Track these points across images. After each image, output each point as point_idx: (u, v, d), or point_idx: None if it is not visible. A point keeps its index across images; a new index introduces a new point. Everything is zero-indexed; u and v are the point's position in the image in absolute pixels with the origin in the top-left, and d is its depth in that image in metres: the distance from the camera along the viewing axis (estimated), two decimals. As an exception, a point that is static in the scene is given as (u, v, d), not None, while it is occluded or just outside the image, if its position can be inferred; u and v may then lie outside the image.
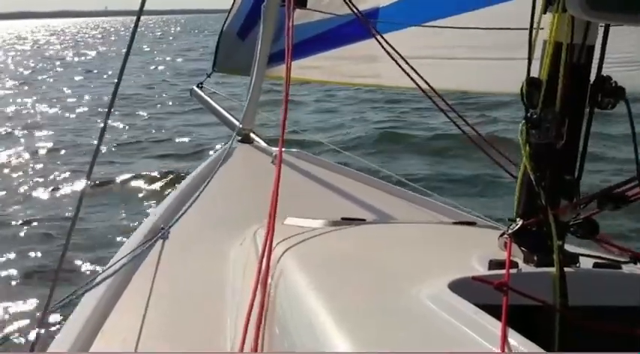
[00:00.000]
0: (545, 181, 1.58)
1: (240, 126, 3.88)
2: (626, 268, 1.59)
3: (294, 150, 3.79)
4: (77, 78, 26.32)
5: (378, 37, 3.00)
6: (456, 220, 2.57)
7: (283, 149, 2.16)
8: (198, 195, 2.89)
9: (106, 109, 2.92)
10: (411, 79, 2.90)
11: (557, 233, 1.52)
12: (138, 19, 2.93)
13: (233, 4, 4.58)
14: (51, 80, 25.87)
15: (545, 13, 1.58)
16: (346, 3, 3.21)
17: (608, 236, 1.72)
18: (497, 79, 3.88)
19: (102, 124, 3.01)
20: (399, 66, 2.94)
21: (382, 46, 2.95)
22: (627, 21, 1.54)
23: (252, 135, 3.99)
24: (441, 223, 2.70)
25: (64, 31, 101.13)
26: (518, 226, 1.62)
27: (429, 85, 2.88)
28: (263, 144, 3.94)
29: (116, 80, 2.83)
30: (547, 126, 1.56)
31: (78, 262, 6.46)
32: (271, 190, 1.92)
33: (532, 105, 1.58)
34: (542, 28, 1.60)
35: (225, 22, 4.65)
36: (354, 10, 3.20)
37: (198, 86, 4.78)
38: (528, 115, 1.58)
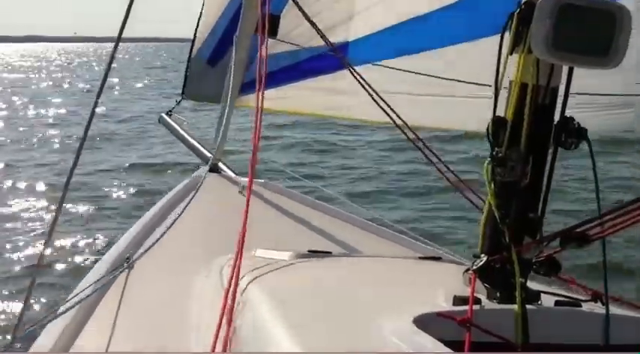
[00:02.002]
0: (509, 218, 1.60)
1: (210, 156, 3.88)
2: (587, 307, 1.61)
3: (261, 180, 3.79)
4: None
5: (351, 69, 3.03)
6: (422, 255, 2.59)
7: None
8: (169, 225, 2.85)
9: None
10: (384, 111, 2.92)
11: (520, 271, 1.53)
12: (116, 45, 2.94)
13: (197, 30, 4.53)
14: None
15: (511, 54, 1.62)
16: (320, 35, 3.23)
17: (570, 275, 1.75)
18: (462, 116, 3.94)
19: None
20: (373, 100, 2.97)
21: (356, 78, 2.98)
22: (589, 64, 1.58)
23: (220, 164, 3.97)
24: (406, 257, 2.71)
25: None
26: (483, 262, 1.63)
27: (401, 118, 2.90)
28: (231, 174, 3.93)
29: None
30: (512, 164, 1.59)
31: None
32: (239, 222, 1.92)
33: (498, 143, 1.61)
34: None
35: (191, 47, 4.61)
36: (328, 42, 3.22)
37: (167, 114, 4.74)
38: (494, 153, 1.60)
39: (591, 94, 3.50)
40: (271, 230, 3.05)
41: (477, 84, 3.69)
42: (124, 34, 3.07)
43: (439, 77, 3.88)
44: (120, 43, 3.13)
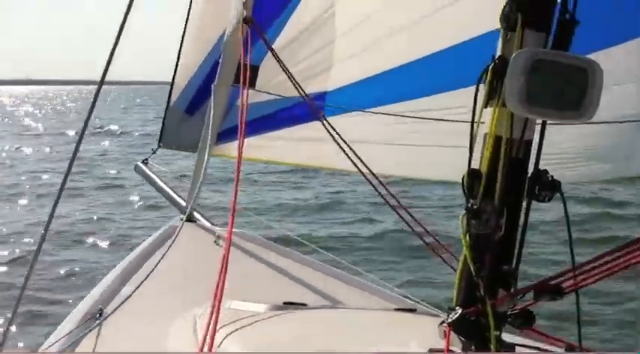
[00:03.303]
0: (484, 271, 1.60)
1: (185, 205, 3.85)
2: None
3: (238, 230, 3.77)
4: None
5: (323, 119, 3.06)
6: (398, 306, 2.57)
7: (227, 229, 2.15)
8: (144, 276, 2.81)
9: None
10: (352, 162, 2.94)
11: (494, 323, 1.53)
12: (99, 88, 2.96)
13: (174, 78, 4.55)
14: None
15: (486, 107, 1.64)
16: (295, 86, 3.27)
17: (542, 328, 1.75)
18: (440, 165, 3.97)
19: None
20: (342, 149, 2.99)
21: (326, 128, 3.01)
22: (562, 118, 1.60)
23: (195, 214, 3.95)
24: (382, 309, 2.70)
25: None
26: (457, 315, 1.63)
27: (370, 170, 2.92)
28: (206, 223, 3.90)
29: None
30: (486, 217, 1.60)
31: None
32: (214, 272, 1.89)
33: (472, 195, 1.62)
34: (483, 122, 1.65)
35: (169, 96, 4.62)
36: (302, 93, 3.25)
37: (143, 162, 4.72)
38: (469, 205, 1.61)
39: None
40: (247, 281, 3.02)
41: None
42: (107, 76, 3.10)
43: (420, 116, 3.90)
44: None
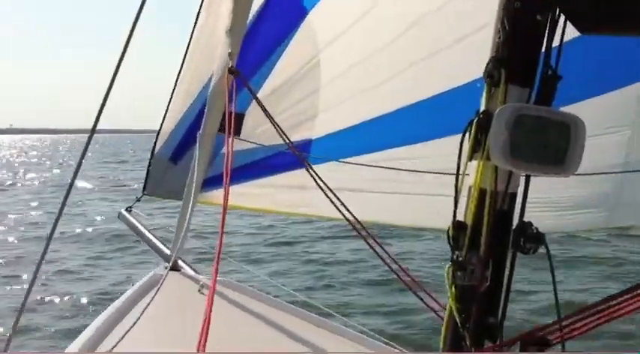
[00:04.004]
0: (469, 322, 1.61)
1: (170, 253, 3.83)
2: None
3: (222, 279, 3.74)
4: None
5: (309, 168, 3.08)
6: None
7: (210, 278, 2.14)
8: (128, 327, 2.78)
9: None
10: (337, 209, 2.96)
11: None
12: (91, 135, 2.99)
13: (161, 128, 4.58)
14: None
15: (470, 160, 1.66)
16: (279, 134, 3.29)
17: None
18: (426, 214, 3.99)
19: None
20: (327, 197, 3.01)
21: (312, 176, 3.03)
22: (546, 172, 1.62)
23: (180, 262, 3.92)
24: None
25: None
26: None
27: (355, 217, 2.93)
28: (191, 271, 3.88)
29: None
30: (472, 268, 1.61)
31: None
32: (199, 322, 1.87)
33: (458, 247, 1.63)
34: (468, 174, 1.67)
35: (154, 145, 4.63)
36: (287, 140, 3.28)
37: (126, 210, 4.70)
38: (454, 257, 1.62)
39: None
40: (231, 331, 2.99)
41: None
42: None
43: (401, 167, 3.95)
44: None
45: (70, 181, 3.25)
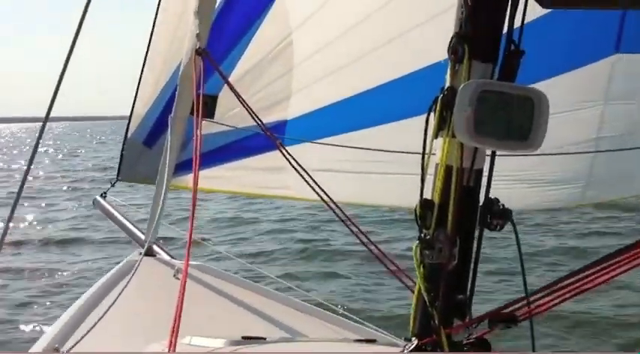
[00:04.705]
0: (438, 301, 1.60)
1: (144, 238, 3.81)
2: None
3: (197, 263, 3.72)
4: None
5: (282, 149, 3.05)
6: (358, 337, 2.56)
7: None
8: (102, 313, 2.75)
9: None
10: (313, 190, 2.94)
11: (450, 353, 1.53)
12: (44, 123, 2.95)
13: (132, 112, 4.51)
14: None
15: (436, 137, 1.65)
16: (251, 116, 3.25)
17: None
18: (396, 194, 3.99)
19: None
20: (303, 178, 2.99)
21: (285, 157, 3.00)
22: (510, 147, 1.61)
23: (155, 247, 3.90)
24: (342, 340, 2.68)
25: None
26: (414, 346, 1.63)
27: (330, 198, 2.92)
28: (166, 257, 3.85)
29: None
30: (439, 246, 1.60)
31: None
32: (174, 307, 1.86)
33: (425, 226, 1.62)
34: (434, 153, 1.66)
35: (127, 129, 4.57)
36: (259, 122, 3.24)
37: (101, 196, 4.66)
38: (422, 235, 1.62)
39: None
40: (206, 315, 2.98)
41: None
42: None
43: (378, 149, 3.94)
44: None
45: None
